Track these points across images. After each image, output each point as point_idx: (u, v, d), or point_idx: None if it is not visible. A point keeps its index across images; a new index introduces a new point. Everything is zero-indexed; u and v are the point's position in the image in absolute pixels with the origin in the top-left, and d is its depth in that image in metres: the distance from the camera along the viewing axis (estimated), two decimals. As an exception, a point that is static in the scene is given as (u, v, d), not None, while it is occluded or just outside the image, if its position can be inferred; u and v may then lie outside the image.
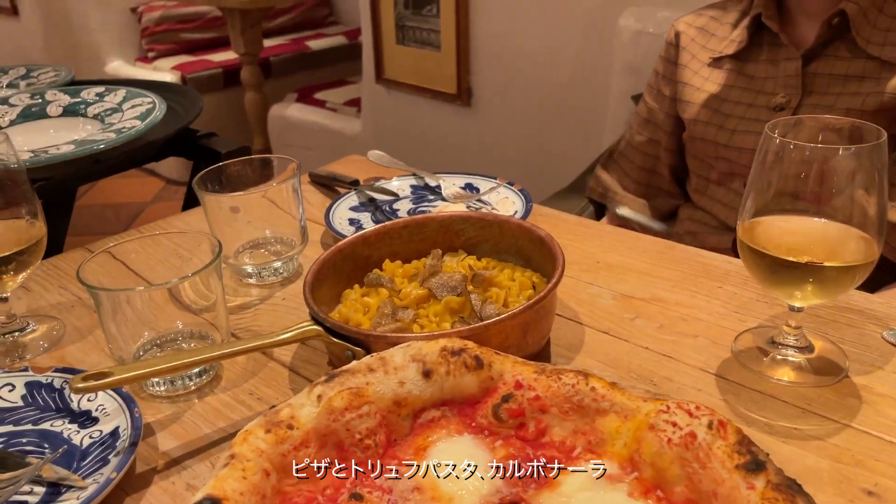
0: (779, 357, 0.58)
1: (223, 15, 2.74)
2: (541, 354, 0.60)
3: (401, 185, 0.90)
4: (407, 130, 2.25)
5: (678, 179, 1.13)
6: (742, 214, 0.55)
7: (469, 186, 0.89)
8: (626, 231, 0.83)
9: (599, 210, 1.24)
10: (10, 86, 1.15)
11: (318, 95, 2.75)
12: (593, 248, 0.77)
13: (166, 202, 2.96)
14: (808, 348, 0.58)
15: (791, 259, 0.52)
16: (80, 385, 0.47)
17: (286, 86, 3.04)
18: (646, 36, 1.42)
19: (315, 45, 3.45)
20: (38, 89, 1.06)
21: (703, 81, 1.02)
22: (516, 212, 0.81)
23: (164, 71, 3.12)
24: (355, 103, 2.58)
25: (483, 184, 0.89)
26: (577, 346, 0.62)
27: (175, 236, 0.74)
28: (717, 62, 1.02)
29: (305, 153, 2.56)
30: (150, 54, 3.32)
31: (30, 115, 0.97)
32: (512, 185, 0.87)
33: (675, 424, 0.41)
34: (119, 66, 3.28)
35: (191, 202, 1.09)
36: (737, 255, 0.58)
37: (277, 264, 0.75)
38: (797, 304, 0.56)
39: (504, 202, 0.84)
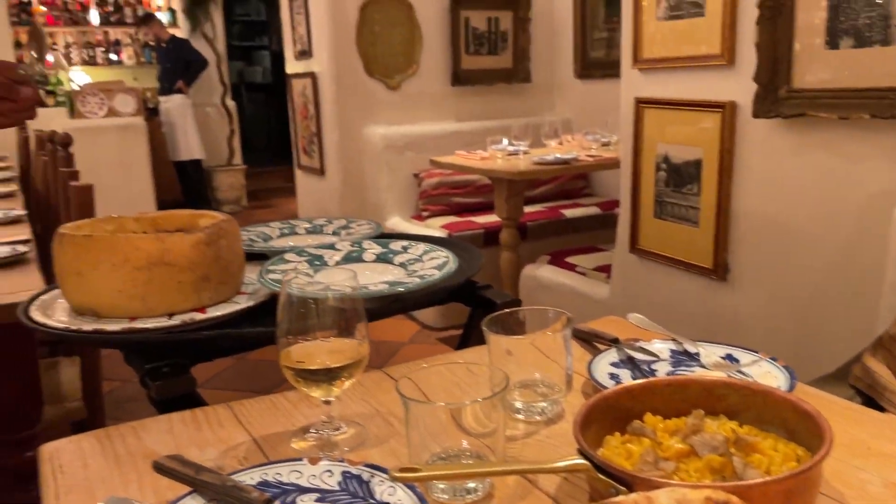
0: None
1: (492, 183, 3.06)
2: (803, 528, 0.60)
3: (660, 348, 0.96)
4: (656, 299, 2.28)
5: (965, 377, 1.05)
6: None
7: (729, 357, 0.92)
8: (902, 421, 0.79)
9: (868, 401, 1.17)
10: (333, 233, 1.41)
11: (570, 259, 2.90)
12: (863, 434, 0.76)
13: (419, 344, 3.22)
14: None
15: None
16: (398, 474, 0.58)
17: (539, 248, 3.25)
18: (927, 226, 1.36)
19: (570, 213, 3.68)
20: (356, 238, 1.29)
21: None
22: (779, 387, 0.82)
23: (434, 228, 3.50)
24: (605, 269, 2.68)
25: (744, 356, 0.91)
26: (843, 527, 0.61)
27: (457, 368, 0.86)
28: None
29: (553, 312, 2.68)
30: (424, 213, 3.76)
31: (350, 258, 1.19)
32: (775, 360, 0.88)
33: None
34: (397, 222, 3.75)
35: (463, 343, 1.22)
36: None
37: (543, 404, 0.83)
38: None
39: (766, 376, 0.86)
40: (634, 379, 0.88)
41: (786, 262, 1.89)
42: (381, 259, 1.19)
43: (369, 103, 3.90)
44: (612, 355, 0.95)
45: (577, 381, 0.92)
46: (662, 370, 0.91)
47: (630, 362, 0.93)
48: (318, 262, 1.15)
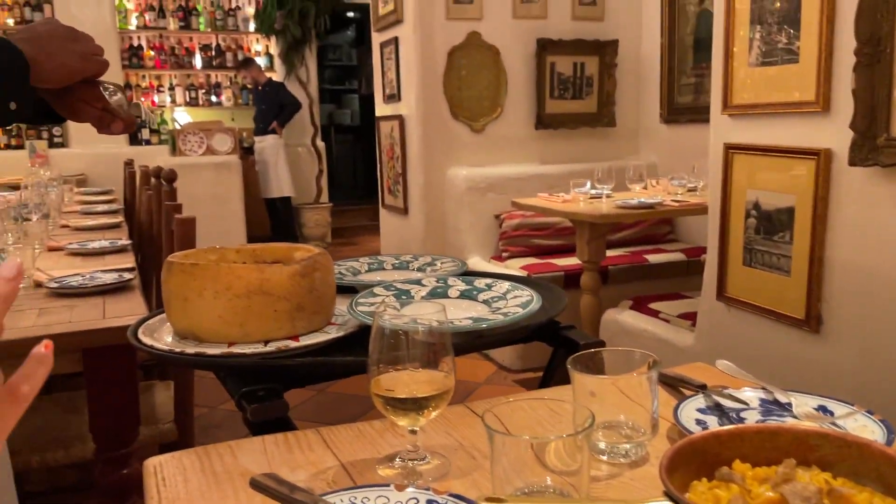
0: None
1: (574, 226, 3.06)
2: (903, 589, 0.58)
3: (750, 396, 0.94)
4: (743, 348, 2.22)
5: None
6: None
7: (822, 409, 0.89)
8: None
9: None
10: (419, 269, 1.44)
11: (653, 305, 2.86)
12: (969, 495, 0.72)
13: (496, 385, 3.21)
14: None
15: None
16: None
17: (621, 293, 3.21)
18: None
19: (653, 258, 3.62)
20: (441, 275, 1.32)
21: None
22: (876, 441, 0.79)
23: (514, 269, 3.51)
24: (689, 317, 2.62)
25: (838, 408, 0.88)
26: (947, 591, 0.58)
27: (539, 405, 0.86)
28: None
29: (634, 358, 2.64)
30: (504, 254, 3.78)
31: (435, 294, 1.22)
32: (871, 413, 0.85)
33: None
34: (476, 262, 3.78)
35: (545, 383, 1.23)
36: None
37: (628, 446, 0.83)
38: None
39: (862, 430, 0.83)
40: (722, 426, 0.87)
41: (885, 315, 1.81)
42: (466, 296, 1.21)
43: (453, 145, 3.98)
44: (699, 401, 0.93)
45: (663, 425, 0.91)
46: (751, 419, 0.89)
47: (718, 409, 0.92)
48: (405, 297, 1.18)
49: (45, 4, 6.50)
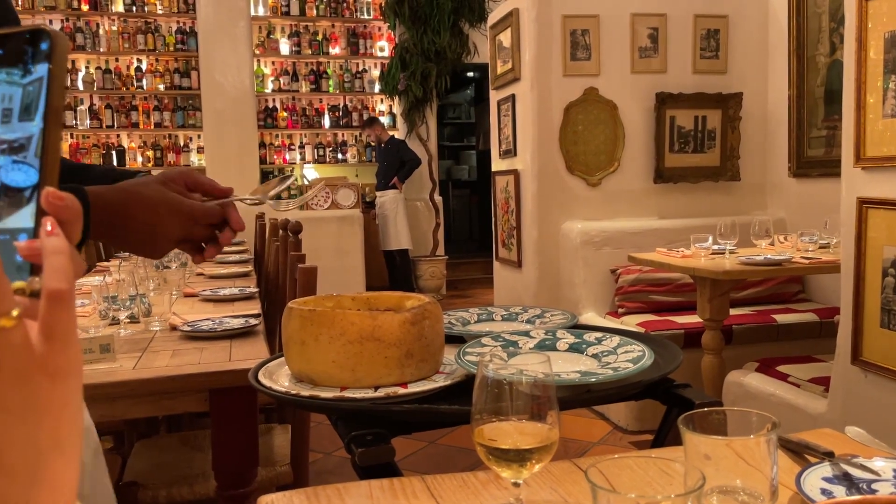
0: None
1: (694, 282, 2.95)
2: None
3: (883, 466, 0.87)
4: (883, 417, 2.04)
5: None
6: None
7: (969, 485, 0.81)
8: None
9: None
10: (528, 321, 1.44)
11: (781, 368, 2.69)
12: None
13: (610, 446, 3.10)
14: None
15: None
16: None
17: (746, 354, 3.04)
18: None
19: (782, 318, 3.42)
20: (550, 327, 1.32)
21: None
22: None
23: (630, 326, 3.41)
24: (821, 382, 2.45)
25: None
26: None
27: (648, 465, 0.83)
28: None
29: (759, 424, 2.48)
30: (620, 310, 3.69)
31: (543, 346, 1.21)
32: None
33: None
34: (591, 317, 3.71)
35: (657, 444, 1.18)
36: None
37: (744, 514, 0.78)
38: None
39: None
40: (850, 496, 0.80)
41: None
42: (574, 349, 1.19)
43: (568, 199, 3.97)
44: (824, 469, 0.87)
45: (784, 493, 0.85)
46: (884, 491, 0.82)
47: (846, 479, 0.85)
48: (512, 347, 1.18)
49: (193, 71, 7.11)
